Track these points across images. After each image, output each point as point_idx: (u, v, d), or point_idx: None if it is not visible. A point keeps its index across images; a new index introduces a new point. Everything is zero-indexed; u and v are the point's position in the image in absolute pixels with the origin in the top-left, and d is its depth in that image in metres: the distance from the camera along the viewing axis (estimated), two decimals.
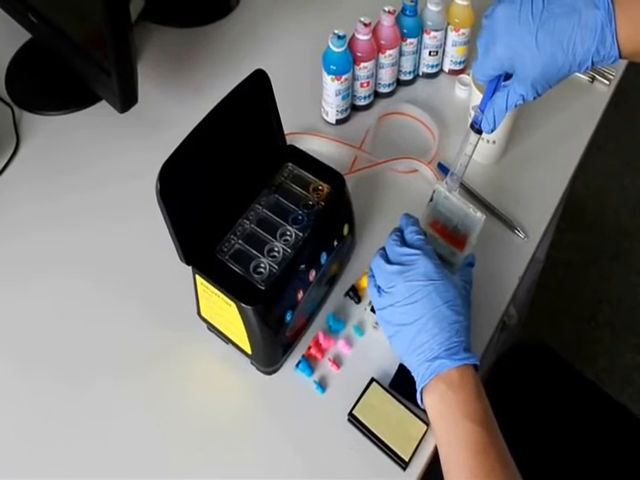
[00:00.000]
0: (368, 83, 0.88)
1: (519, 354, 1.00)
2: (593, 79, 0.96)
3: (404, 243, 0.66)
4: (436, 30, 0.89)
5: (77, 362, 0.72)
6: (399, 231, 0.68)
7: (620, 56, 0.56)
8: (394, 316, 0.64)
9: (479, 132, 0.65)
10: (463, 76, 0.94)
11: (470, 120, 0.66)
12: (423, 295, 0.62)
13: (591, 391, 0.96)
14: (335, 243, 0.71)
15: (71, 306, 0.76)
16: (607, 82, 0.95)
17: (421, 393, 0.62)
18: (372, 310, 0.70)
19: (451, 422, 0.60)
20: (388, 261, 0.66)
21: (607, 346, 1.59)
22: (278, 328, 0.66)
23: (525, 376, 0.96)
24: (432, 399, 0.61)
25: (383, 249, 0.68)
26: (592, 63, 0.57)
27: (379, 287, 0.65)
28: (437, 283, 0.62)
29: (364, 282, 0.75)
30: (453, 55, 0.93)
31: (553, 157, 0.88)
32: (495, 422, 0.60)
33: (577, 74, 0.95)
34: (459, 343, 0.61)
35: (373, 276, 0.67)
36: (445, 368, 0.60)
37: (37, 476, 0.65)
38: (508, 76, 0.62)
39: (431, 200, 0.71)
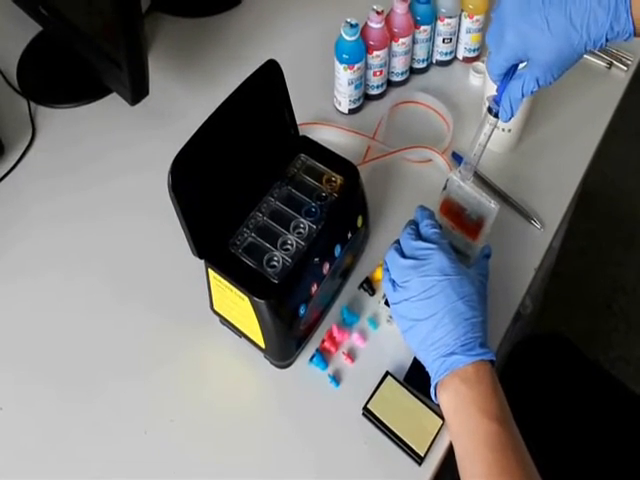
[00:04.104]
0: (381, 72, 0.87)
1: (533, 343, 0.99)
2: (611, 65, 0.94)
3: (419, 236, 0.65)
4: (450, 17, 0.88)
5: (89, 359, 0.71)
6: (414, 224, 0.67)
7: (635, 32, 0.54)
8: (409, 311, 0.63)
9: (497, 115, 0.63)
10: (477, 63, 0.92)
11: (486, 106, 0.64)
12: (438, 290, 0.61)
13: (606, 381, 0.95)
14: (349, 235, 0.71)
15: (84, 300, 0.76)
16: (625, 68, 0.93)
17: (435, 388, 0.62)
18: (386, 303, 0.70)
19: (466, 418, 0.59)
20: (403, 255, 0.65)
21: (622, 335, 1.58)
22: (292, 322, 0.66)
23: (539, 365, 0.95)
24: (447, 394, 0.60)
25: (398, 242, 0.67)
26: (606, 40, 0.55)
27: (394, 281, 0.65)
28: (452, 278, 0.62)
29: (378, 274, 0.74)
30: (467, 42, 0.92)
31: (570, 145, 0.86)
32: (512, 418, 0.59)
33: (594, 60, 0.94)
34: (475, 339, 0.61)
35: (388, 270, 0.66)
36: (461, 364, 0.60)
37: (48, 475, 0.65)
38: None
39: (444, 188, 0.70)
